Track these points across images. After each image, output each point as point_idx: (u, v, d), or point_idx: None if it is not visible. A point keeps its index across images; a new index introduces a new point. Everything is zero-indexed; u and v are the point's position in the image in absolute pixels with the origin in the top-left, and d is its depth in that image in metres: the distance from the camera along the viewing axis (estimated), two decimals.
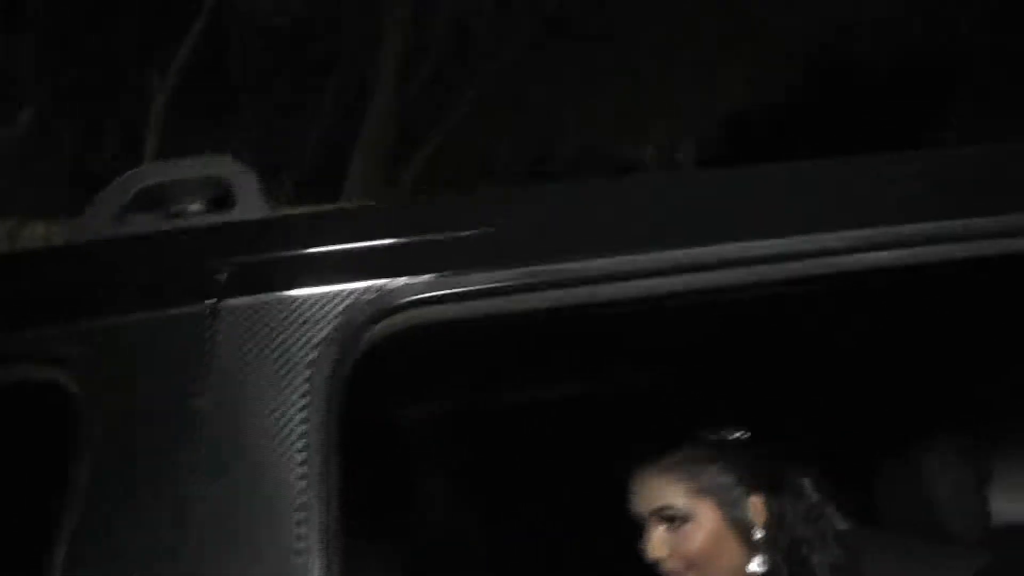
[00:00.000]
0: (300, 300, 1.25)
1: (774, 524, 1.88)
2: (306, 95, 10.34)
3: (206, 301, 1.24)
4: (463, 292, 1.27)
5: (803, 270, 1.32)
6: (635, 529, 1.90)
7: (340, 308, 1.24)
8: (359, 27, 10.14)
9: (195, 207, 1.38)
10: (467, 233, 1.31)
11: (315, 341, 1.23)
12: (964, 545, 2.13)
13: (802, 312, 1.85)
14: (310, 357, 1.22)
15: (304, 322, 1.24)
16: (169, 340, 1.22)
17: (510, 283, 1.28)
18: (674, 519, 1.85)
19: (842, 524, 2.09)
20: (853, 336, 2.12)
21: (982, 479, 2.43)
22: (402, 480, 2.08)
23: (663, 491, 1.86)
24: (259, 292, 1.25)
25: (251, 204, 1.37)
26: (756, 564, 1.82)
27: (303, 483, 1.17)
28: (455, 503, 2.44)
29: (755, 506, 1.87)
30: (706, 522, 1.84)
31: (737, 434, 1.92)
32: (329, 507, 1.18)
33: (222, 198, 1.40)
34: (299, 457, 1.18)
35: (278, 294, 1.26)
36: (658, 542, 1.85)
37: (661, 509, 1.85)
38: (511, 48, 10.12)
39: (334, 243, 1.30)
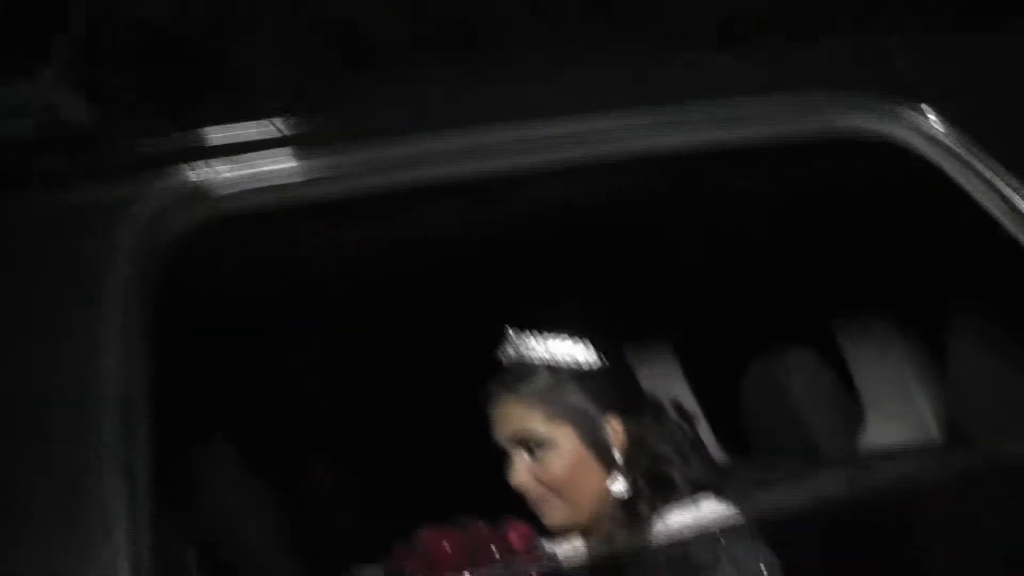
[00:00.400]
0: (101, 198, 1.31)
1: (633, 444, 1.90)
2: None
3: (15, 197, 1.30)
4: (265, 185, 1.34)
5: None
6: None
7: (144, 204, 1.30)
8: None
9: None
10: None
11: (118, 238, 1.28)
12: (829, 464, 2.19)
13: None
14: (114, 256, 1.28)
15: (108, 220, 1.29)
16: None
17: (311, 175, 1.35)
18: (534, 445, 1.87)
19: (705, 442, 2.16)
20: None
21: (850, 401, 2.54)
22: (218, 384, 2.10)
23: (521, 418, 1.88)
24: (62, 191, 1.31)
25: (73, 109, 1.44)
26: (617, 485, 1.84)
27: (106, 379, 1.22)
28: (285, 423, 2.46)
29: (613, 428, 1.89)
30: (566, 446, 1.87)
31: (593, 357, 1.93)
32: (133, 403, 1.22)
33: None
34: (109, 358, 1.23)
35: (80, 193, 1.31)
36: (520, 469, 1.87)
37: (520, 436, 1.87)
38: None
39: (131, 142, 1.37)
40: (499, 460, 1.92)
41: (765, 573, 1.66)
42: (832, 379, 2.47)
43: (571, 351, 1.92)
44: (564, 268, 2.12)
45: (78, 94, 1.55)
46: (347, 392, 2.43)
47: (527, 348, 1.93)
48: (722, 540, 1.69)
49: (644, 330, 2.40)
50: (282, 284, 1.71)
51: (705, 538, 1.70)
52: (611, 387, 1.93)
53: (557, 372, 1.90)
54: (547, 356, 1.91)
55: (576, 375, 1.90)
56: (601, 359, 1.92)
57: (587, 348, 1.93)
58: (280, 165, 1.36)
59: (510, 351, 1.94)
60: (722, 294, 2.45)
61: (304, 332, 1.95)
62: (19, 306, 1.24)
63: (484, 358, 2.05)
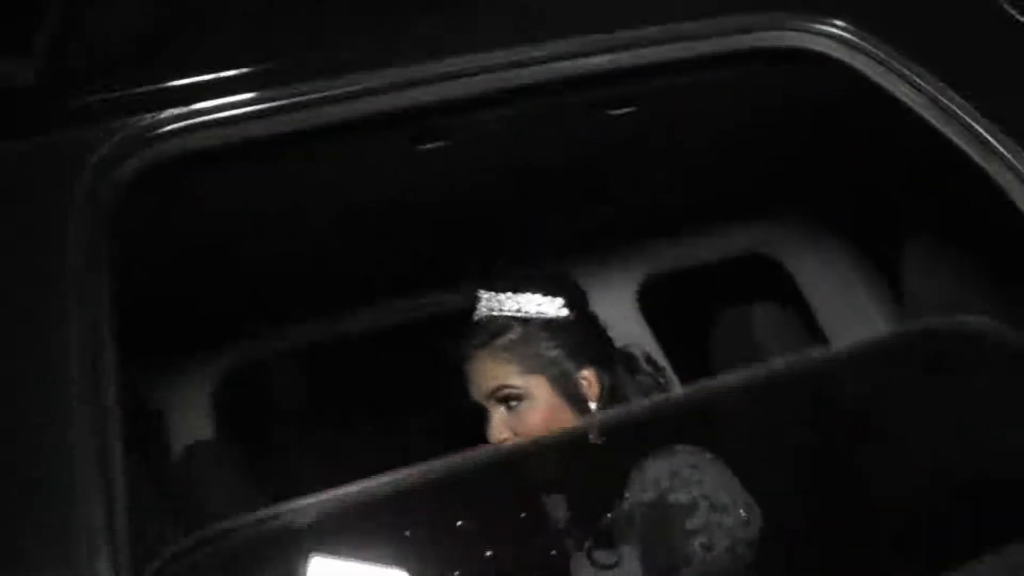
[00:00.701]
0: (53, 144, 1.38)
1: (607, 396, 1.95)
2: None
3: None
4: (211, 120, 1.41)
5: None
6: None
7: (96, 147, 1.37)
8: None
9: None
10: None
11: (72, 183, 1.34)
12: None
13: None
14: (69, 198, 1.34)
15: (60, 165, 1.36)
16: None
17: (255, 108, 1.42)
18: (511, 399, 1.90)
19: (676, 391, 2.21)
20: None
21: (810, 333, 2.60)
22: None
23: (496, 373, 1.92)
24: (15, 140, 1.38)
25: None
26: (593, 436, 1.85)
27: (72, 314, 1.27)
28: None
29: (587, 379, 1.94)
30: (541, 398, 1.90)
31: (562, 310, 1.98)
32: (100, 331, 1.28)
33: None
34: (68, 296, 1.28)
35: (33, 141, 1.38)
36: (499, 424, 1.90)
37: (497, 390, 1.91)
38: None
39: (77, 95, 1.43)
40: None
41: (744, 515, 1.71)
42: (797, 327, 2.52)
43: (540, 304, 1.95)
44: (513, 209, 2.17)
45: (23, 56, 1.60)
46: (295, 324, 2.47)
47: (497, 303, 1.97)
48: (700, 483, 1.71)
49: (606, 277, 2.44)
50: (226, 218, 1.77)
51: (682, 482, 1.71)
52: (582, 339, 1.98)
53: (528, 325, 1.94)
54: (517, 310, 1.95)
55: (547, 327, 1.94)
56: (570, 311, 1.97)
57: (555, 301, 1.97)
58: (218, 104, 1.43)
59: (480, 308, 1.98)
60: (673, 213, 2.50)
61: (249, 262, 2.00)
62: None
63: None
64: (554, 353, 1.94)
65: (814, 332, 2.67)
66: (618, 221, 2.42)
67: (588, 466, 1.81)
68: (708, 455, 1.76)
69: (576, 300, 2.01)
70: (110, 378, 1.21)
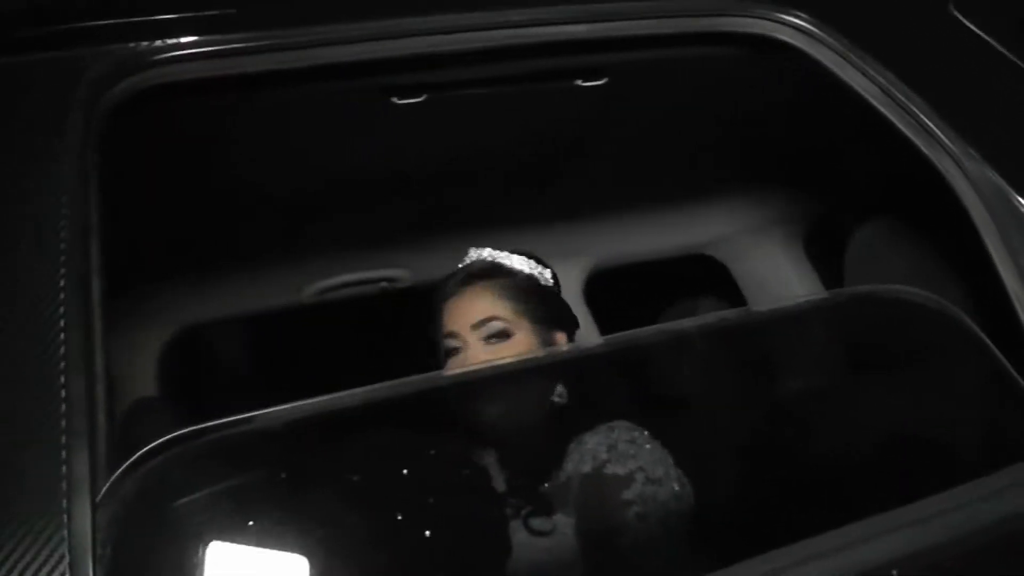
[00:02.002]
0: (53, 61, 1.42)
1: None
2: None
3: None
4: (197, 53, 1.46)
5: None
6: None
7: (89, 68, 1.41)
8: None
9: None
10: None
11: (69, 97, 1.39)
12: None
13: None
14: (65, 111, 1.38)
15: (58, 80, 1.40)
16: None
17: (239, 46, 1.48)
18: (497, 334, 1.93)
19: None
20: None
21: None
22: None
23: (491, 304, 1.95)
24: (17, 55, 1.42)
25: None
26: (557, 394, 1.90)
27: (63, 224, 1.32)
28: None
29: (560, 341, 2.00)
30: (523, 342, 1.93)
31: (546, 274, 2.05)
32: (88, 236, 1.32)
33: None
34: (60, 196, 1.33)
35: (34, 57, 1.43)
36: (477, 353, 1.92)
37: (488, 320, 1.93)
38: None
39: (78, 18, 1.49)
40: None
41: (677, 488, 1.77)
42: None
43: (531, 267, 2.03)
44: (475, 183, 2.23)
45: None
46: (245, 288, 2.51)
47: (491, 254, 2.02)
48: (636, 457, 1.76)
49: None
50: (200, 155, 1.81)
51: (619, 455, 1.76)
52: (559, 308, 2.05)
53: (520, 277, 2.00)
54: (511, 263, 2.02)
55: (536, 287, 2.01)
56: (551, 278, 2.05)
57: (544, 270, 2.05)
58: (202, 39, 1.49)
59: (474, 253, 2.03)
60: (624, 203, 2.56)
61: (212, 207, 2.04)
62: None
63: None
64: (541, 308, 1.99)
65: None
66: (569, 207, 2.48)
67: (532, 433, 1.85)
68: (645, 432, 1.82)
69: (555, 276, 2.09)
70: (97, 278, 1.25)
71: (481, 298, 1.96)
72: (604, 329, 2.75)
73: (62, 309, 1.23)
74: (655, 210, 2.70)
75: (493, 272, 2.00)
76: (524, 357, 1.90)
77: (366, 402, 1.31)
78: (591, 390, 1.85)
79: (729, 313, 1.79)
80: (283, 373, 3.01)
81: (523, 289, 1.99)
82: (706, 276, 2.93)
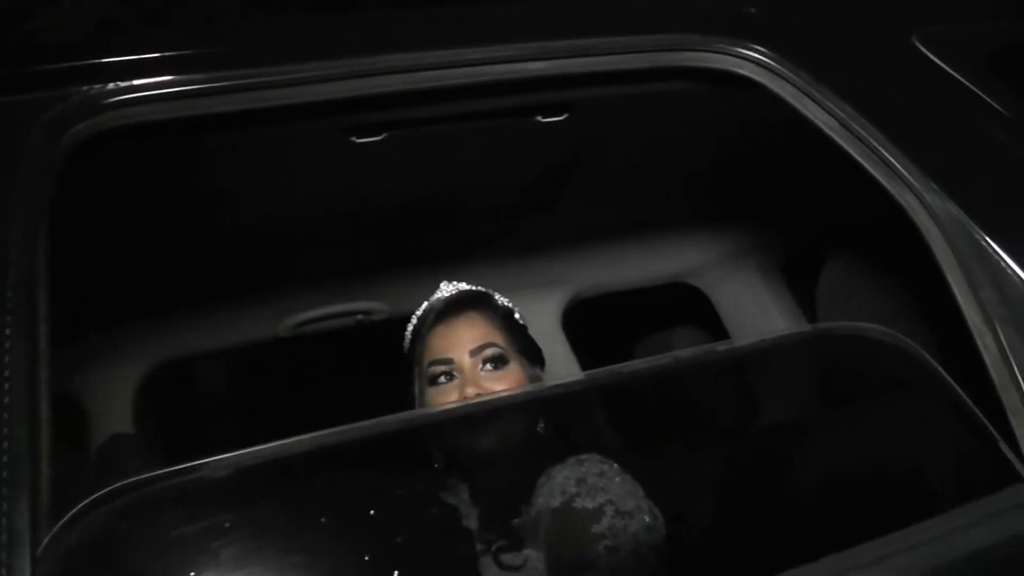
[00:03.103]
0: (9, 105, 1.43)
1: None
2: None
3: None
4: (154, 95, 1.46)
5: None
6: None
7: (44, 112, 1.42)
8: None
9: None
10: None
11: (23, 141, 1.39)
12: None
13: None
14: (19, 155, 1.39)
15: (13, 124, 1.41)
16: None
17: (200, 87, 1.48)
18: (495, 360, 1.93)
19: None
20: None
21: None
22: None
23: (487, 331, 1.96)
24: None
25: None
26: (539, 427, 1.88)
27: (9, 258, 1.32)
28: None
29: (539, 379, 2.01)
30: (516, 372, 1.94)
31: (520, 318, 2.05)
32: (35, 282, 1.32)
33: None
34: (6, 240, 1.33)
35: None
36: (472, 376, 1.91)
37: (487, 346, 1.93)
38: None
39: (34, 62, 1.49)
40: None
41: (648, 520, 1.75)
42: None
43: (511, 305, 2.04)
44: (440, 218, 2.23)
45: None
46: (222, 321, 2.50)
47: (465, 287, 2.03)
48: (605, 490, 1.75)
49: (531, 296, 2.51)
50: (161, 195, 1.81)
51: (588, 489, 1.75)
52: (533, 342, 2.06)
53: (503, 310, 2.01)
54: (497, 297, 2.03)
55: (515, 319, 2.03)
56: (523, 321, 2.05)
57: (515, 308, 2.05)
58: (158, 80, 1.49)
59: (446, 287, 2.03)
60: (600, 232, 2.57)
61: (179, 247, 2.04)
62: None
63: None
64: (524, 343, 2.01)
65: None
66: (546, 239, 2.48)
67: (502, 467, 1.84)
68: (615, 465, 1.81)
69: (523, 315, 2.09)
70: (44, 326, 1.25)
71: (476, 324, 1.96)
72: (582, 358, 2.75)
73: (6, 358, 1.22)
74: (632, 239, 2.70)
75: (483, 301, 2.01)
76: (522, 390, 1.89)
77: (319, 447, 1.29)
78: (564, 423, 1.84)
79: (697, 350, 1.78)
80: (261, 406, 3.00)
81: (508, 320, 2.00)
82: (686, 304, 2.93)
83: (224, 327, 2.56)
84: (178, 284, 2.27)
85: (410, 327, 2.04)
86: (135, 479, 1.21)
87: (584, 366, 2.73)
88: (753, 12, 1.82)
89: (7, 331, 1.24)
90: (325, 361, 2.73)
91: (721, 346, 1.87)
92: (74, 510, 1.17)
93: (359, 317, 2.59)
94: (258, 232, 2.09)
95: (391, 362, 2.09)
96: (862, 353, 1.55)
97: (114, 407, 2.52)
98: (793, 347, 1.72)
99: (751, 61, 1.74)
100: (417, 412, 1.83)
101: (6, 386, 1.21)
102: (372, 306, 2.58)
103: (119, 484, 1.20)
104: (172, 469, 1.23)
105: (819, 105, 1.70)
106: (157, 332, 2.52)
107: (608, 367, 1.50)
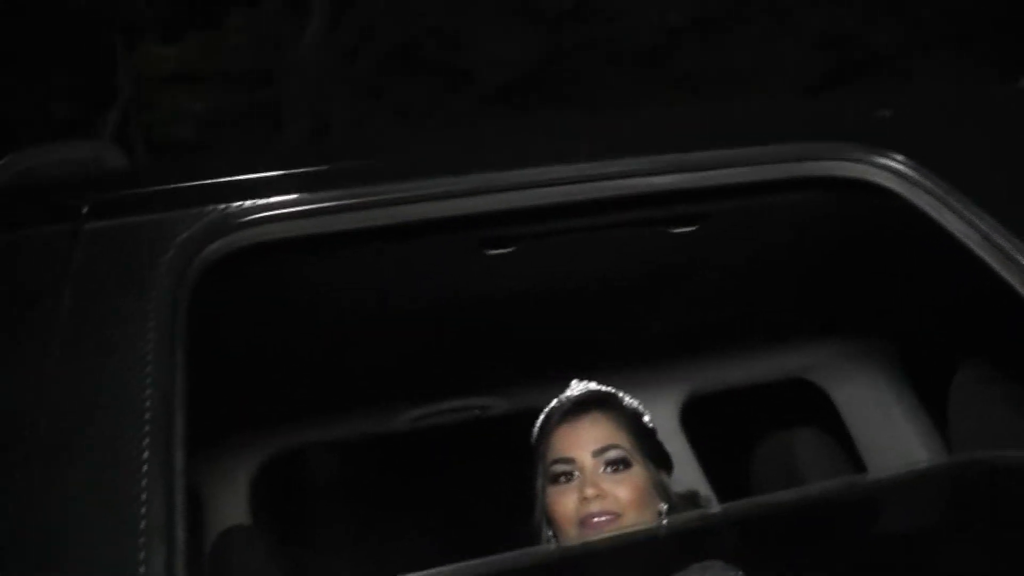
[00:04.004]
0: (145, 224, 1.45)
1: (672, 504, 1.97)
2: None
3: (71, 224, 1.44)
4: (289, 213, 1.47)
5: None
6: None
7: (179, 231, 1.44)
8: None
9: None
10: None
11: (159, 259, 1.42)
12: None
13: None
14: (155, 273, 1.41)
15: (150, 243, 1.43)
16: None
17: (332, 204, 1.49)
18: (618, 462, 1.90)
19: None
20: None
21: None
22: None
23: (612, 432, 1.93)
24: (111, 219, 1.45)
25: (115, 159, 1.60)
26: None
27: (148, 381, 1.33)
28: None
29: (665, 484, 1.97)
30: (639, 476, 1.92)
31: (648, 416, 2.03)
32: (172, 401, 1.33)
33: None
34: (146, 363, 1.35)
35: (126, 220, 1.45)
36: (593, 478, 1.88)
37: (610, 448, 1.91)
38: None
39: (170, 182, 1.52)
40: None
41: None
42: (838, 456, 2.53)
43: (635, 402, 2.02)
44: (565, 319, 2.22)
45: (120, 150, 1.71)
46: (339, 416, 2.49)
47: (606, 387, 2.01)
48: None
49: (649, 393, 2.48)
50: (289, 306, 1.83)
51: None
52: (661, 445, 2.02)
53: (630, 411, 1.99)
54: (626, 400, 2.01)
55: (643, 422, 2.00)
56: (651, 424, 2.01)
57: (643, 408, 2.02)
58: (293, 197, 1.51)
59: (577, 384, 2.01)
60: (720, 332, 2.53)
61: (304, 353, 2.05)
62: (79, 311, 1.38)
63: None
64: (649, 446, 1.98)
65: (855, 462, 2.68)
66: (666, 338, 2.45)
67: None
68: (740, 572, 1.76)
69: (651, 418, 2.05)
70: (180, 448, 1.26)
71: (600, 425, 1.94)
72: (701, 457, 2.70)
73: (144, 482, 1.23)
74: (752, 338, 2.65)
75: (608, 402, 1.98)
76: (651, 526, 1.87)
77: None
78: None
79: (832, 484, 1.73)
80: (376, 498, 3.00)
81: (634, 423, 1.97)
82: (806, 401, 2.87)
83: (341, 420, 2.57)
84: (299, 380, 2.29)
85: (538, 423, 2.02)
86: None
87: (704, 465, 2.68)
88: (888, 116, 1.78)
89: (146, 455, 1.25)
90: (442, 455, 2.72)
91: (861, 479, 1.81)
92: None
93: (477, 412, 2.58)
94: (381, 331, 2.10)
95: (507, 458, 2.08)
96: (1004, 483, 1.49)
97: (230, 497, 2.54)
98: (944, 480, 1.65)
99: (886, 169, 1.70)
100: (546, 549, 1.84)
101: (143, 510, 1.22)
102: (490, 401, 2.58)
103: None
104: None
105: (958, 216, 1.65)
106: (274, 424, 2.54)
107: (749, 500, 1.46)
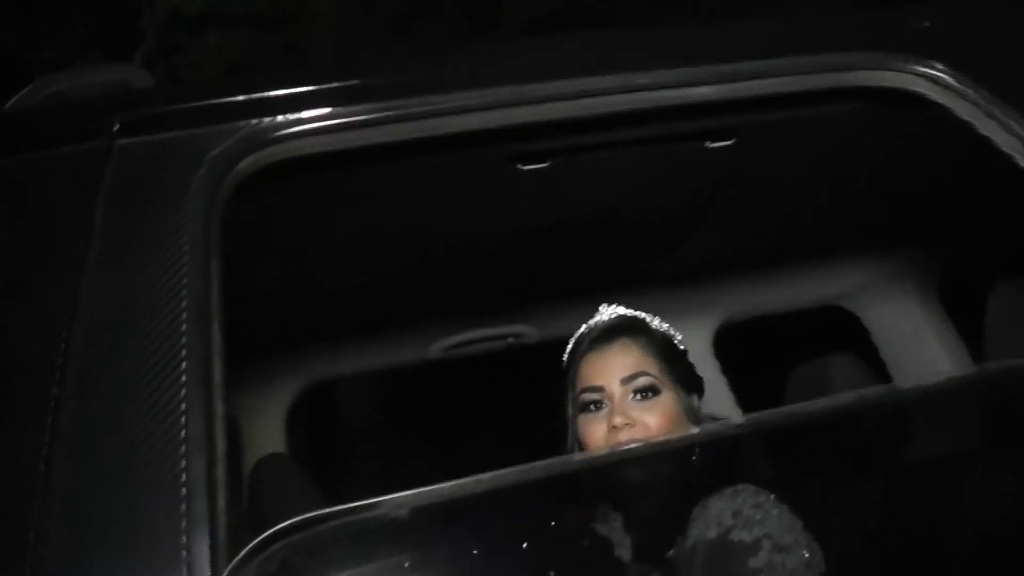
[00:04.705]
0: (176, 140, 1.44)
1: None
2: None
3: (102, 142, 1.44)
4: (322, 127, 1.46)
5: None
6: None
7: (212, 146, 1.43)
8: None
9: None
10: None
11: (191, 175, 1.41)
12: None
13: None
14: (187, 189, 1.40)
15: (182, 159, 1.42)
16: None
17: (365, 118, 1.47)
18: (647, 389, 1.88)
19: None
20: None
21: None
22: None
23: (640, 358, 1.90)
24: (143, 135, 1.44)
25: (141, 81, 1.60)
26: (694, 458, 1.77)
27: (184, 293, 1.33)
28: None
29: (697, 408, 1.95)
30: (669, 402, 1.89)
31: (680, 339, 2.00)
32: (208, 313, 1.33)
33: None
34: (181, 275, 1.35)
35: (158, 137, 1.45)
36: (622, 406, 1.86)
37: (639, 375, 1.88)
38: None
39: (201, 99, 1.52)
40: None
41: (806, 555, 1.70)
42: (873, 381, 2.52)
43: (665, 326, 1.98)
44: (600, 244, 2.20)
45: (147, 73, 1.71)
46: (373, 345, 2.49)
47: (625, 311, 1.98)
48: (762, 523, 1.66)
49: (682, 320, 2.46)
50: (324, 225, 1.82)
51: (745, 521, 1.67)
52: (692, 369, 1.99)
53: (660, 336, 1.95)
54: (656, 323, 1.97)
55: (674, 346, 1.97)
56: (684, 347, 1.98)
57: (676, 334, 1.99)
58: (325, 112, 1.50)
59: (606, 309, 1.99)
60: (754, 258, 2.51)
61: (339, 274, 2.05)
62: (111, 228, 1.38)
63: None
64: (680, 371, 1.95)
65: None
66: (701, 263, 2.43)
67: (656, 496, 1.80)
68: (772, 496, 1.75)
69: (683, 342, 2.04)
70: (218, 358, 1.26)
71: (629, 352, 1.91)
72: (734, 384, 2.69)
73: (183, 392, 1.23)
74: (785, 262, 2.63)
75: (638, 327, 1.95)
76: (680, 435, 1.83)
77: (495, 488, 1.27)
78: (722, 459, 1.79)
79: (868, 392, 1.71)
80: (409, 428, 3.02)
81: (665, 348, 1.94)
82: (838, 328, 2.85)
83: (375, 350, 2.58)
84: (331, 309, 2.29)
85: (568, 349, 2.01)
86: (311, 515, 1.20)
87: (736, 391, 2.67)
88: (927, 26, 1.74)
89: (183, 365, 1.25)
90: (474, 384, 2.72)
91: (897, 388, 1.78)
92: (251, 544, 1.17)
93: (509, 340, 2.58)
94: (411, 260, 2.09)
95: (540, 385, 2.07)
96: None
97: (267, 426, 2.56)
98: (971, 387, 1.63)
99: (927, 78, 1.66)
100: (577, 457, 1.80)
101: (183, 420, 1.22)
102: (523, 329, 2.57)
103: (296, 519, 1.20)
104: (349, 506, 1.22)
105: (1000, 124, 1.61)
106: (310, 354, 2.55)
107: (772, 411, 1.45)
